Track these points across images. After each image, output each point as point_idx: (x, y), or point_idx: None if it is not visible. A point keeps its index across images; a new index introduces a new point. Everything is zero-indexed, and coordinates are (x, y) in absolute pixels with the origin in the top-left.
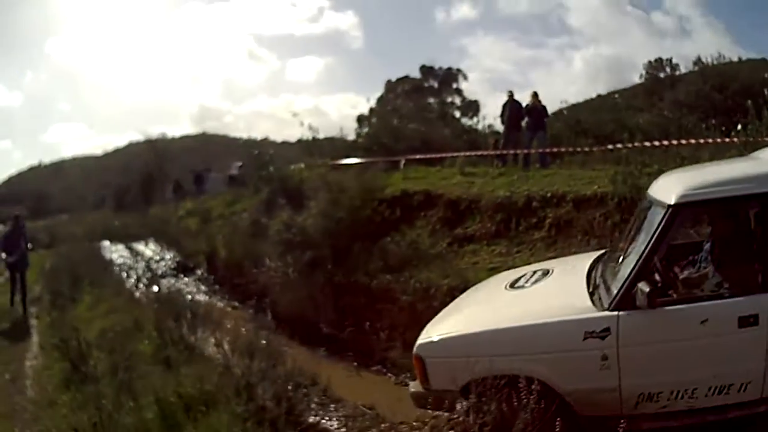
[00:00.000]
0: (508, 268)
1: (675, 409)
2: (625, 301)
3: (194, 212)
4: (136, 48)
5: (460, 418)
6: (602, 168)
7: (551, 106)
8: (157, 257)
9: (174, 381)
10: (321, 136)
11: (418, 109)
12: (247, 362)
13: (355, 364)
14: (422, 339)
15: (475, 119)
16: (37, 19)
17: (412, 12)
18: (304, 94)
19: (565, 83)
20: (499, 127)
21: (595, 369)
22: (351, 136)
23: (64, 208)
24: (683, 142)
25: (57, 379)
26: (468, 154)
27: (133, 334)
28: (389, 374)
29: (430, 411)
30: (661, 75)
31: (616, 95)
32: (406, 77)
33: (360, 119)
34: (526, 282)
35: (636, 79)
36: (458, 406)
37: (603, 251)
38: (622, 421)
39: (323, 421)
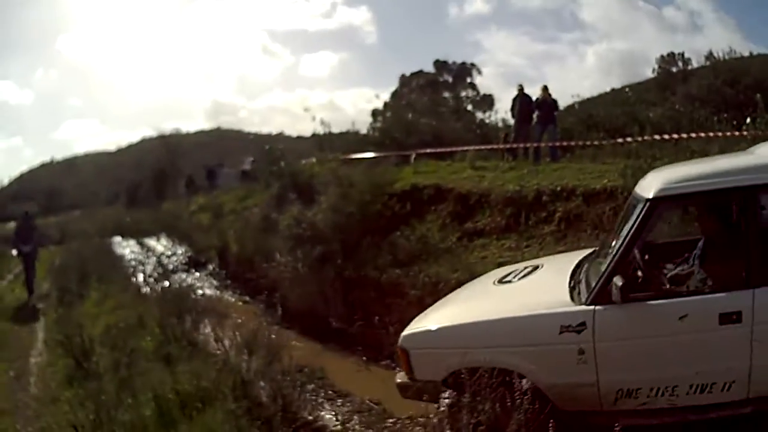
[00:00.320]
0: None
1: (656, 406)
2: (602, 295)
3: (206, 207)
4: (149, 44)
5: (452, 411)
6: (612, 162)
7: (564, 101)
8: (169, 252)
9: (172, 378)
10: (334, 130)
11: (433, 104)
12: (246, 358)
13: (364, 358)
14: (407, 331)
15: (488, 113)
16: (47, 16)
17: (426, 7)
18: (318, 89)
19: (578, 78)
20: (511, 121)
21: (572, 363)
22: (364, 131)
23: (76, 204)
24: (693, 135)
25: (60, 376)
26: (478, 148)
27: (137, 331)
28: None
29: (433, 404)
30: (674, 69)
31: (628, 89)
32: (420, 72)
33: (374, 113)
34: (514, 277)
35: (649, 74)
36: (442, 398)
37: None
38: (616, 424)
39: (327, 415)
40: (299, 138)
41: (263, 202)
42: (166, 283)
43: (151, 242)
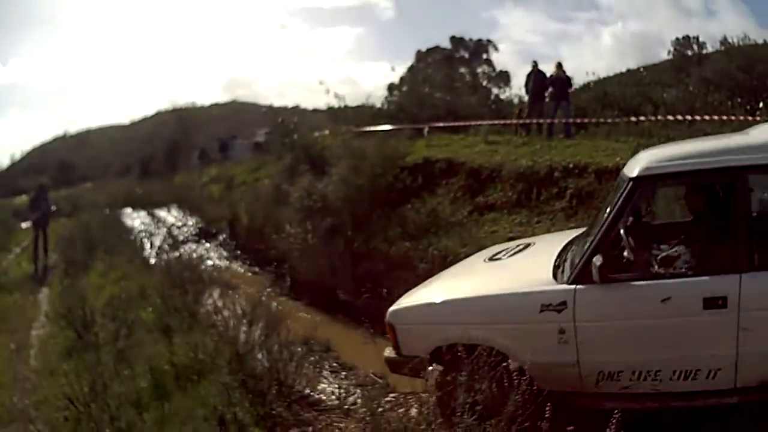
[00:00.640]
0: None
1: (639, 390)
2: (583, 275)
3: (218, 179)
4: (166, 17)
5: (439, 387)
6: (626, 140)
7: (579, 79)
8: (179, 223)
9: (169, 349)
10: (350, 104)
11: (449, 79)
12: (245, 330)
13: (371, 331)
14: (394, 306)
15: (504, 89)
16: None
17: None
18: (335, 63)
19: (593, 58)
20: (526, 97)
21: (552, 343)
22: (379, 105)
23: (88, 176)
24: (707, 118)
25: (61, 348)
26: (491, 122)
27: (138, 302)
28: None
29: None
30: (689, 53)
31: (643, 70)
32: (437, 47)
33: (390, 87)
34: (504, 255)
35: (663, 56)
36: (424, 374)
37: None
38: (615, 411)
39: (328, 389)
40: (315, 111)
41: (275, 174)
42: (175, 254)
43: (162, 213)
